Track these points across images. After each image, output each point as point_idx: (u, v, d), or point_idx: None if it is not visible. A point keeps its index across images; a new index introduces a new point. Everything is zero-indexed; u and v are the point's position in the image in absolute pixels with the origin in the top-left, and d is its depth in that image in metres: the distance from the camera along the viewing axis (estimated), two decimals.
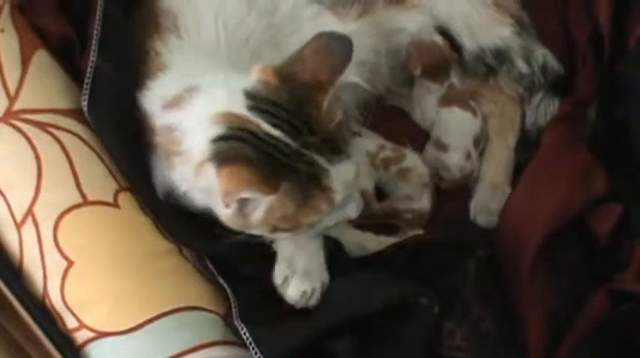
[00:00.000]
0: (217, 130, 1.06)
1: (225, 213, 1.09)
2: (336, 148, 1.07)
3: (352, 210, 1.14)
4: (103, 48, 1.21)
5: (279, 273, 1.17)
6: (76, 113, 1.19)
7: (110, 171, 1.17)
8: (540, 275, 1.31)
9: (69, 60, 1.26)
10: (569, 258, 1.36)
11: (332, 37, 1.10)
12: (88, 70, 1.19)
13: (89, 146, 1.17)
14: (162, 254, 1.15)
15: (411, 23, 1.46)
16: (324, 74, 1.07)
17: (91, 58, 1.20)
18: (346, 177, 1.08)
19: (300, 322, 1.15)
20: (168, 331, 1.10)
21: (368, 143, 1.43)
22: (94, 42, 1.22)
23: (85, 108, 1.18)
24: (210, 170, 1.05)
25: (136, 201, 1.17)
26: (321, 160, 1.06)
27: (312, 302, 1.15)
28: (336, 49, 1.09)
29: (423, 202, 1.41)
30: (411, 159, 1.43)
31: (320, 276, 1.17)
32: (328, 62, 1.08)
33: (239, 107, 1.07)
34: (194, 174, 1.09)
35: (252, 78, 1.09)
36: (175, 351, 1.09)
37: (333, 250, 1.21)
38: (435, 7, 1.47)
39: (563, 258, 1.35)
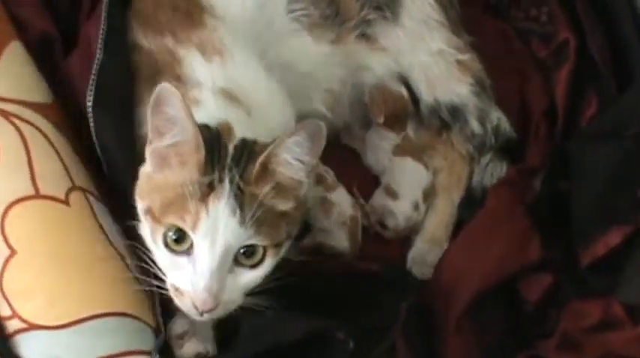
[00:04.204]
0: (213, 119, 1.17)
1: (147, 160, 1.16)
2: (241, 205, 1.09)
3: (198, 297, 1.10)
4: (108, 46, 1.29)
5: (180, 325, 1.23)
6: (41, 107, 1.26)
7: (66, 169, 1.23)
8: (466, 334, 1.38)
9: (45, 57, 1.33)
10: (496, 321, 1.43)
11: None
12: (94, 67, 1.27)
13: (49, 142, 1.24)
14: (105, 259, 1.20)
15: (377, 65, 1.56)
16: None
17: (97, 56, 1.28)
18: (223, 228, 1.09)
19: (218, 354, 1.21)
20: (97, 333, 1.15)
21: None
22: (99, 40, 1.29)
23: (90, 106, 1.25)
24: None
25: (87, 203, 1.23)
26: (227, 186, 1.09)
27: None
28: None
29: (340, 241, 1.46)
30: (339, 194, 1.49)
31: (211, 342, 1.23)
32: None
33: (238, 132, 1.17)
34: None
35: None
36: (102, 353, 1.14)
37: None
38: (400, 55, 1.56)
39: (490, 319, 1.42)
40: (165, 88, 1.08)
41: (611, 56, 1.63)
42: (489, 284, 1.42)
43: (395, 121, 1.58)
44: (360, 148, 1.63)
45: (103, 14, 1.32)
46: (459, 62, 1.59)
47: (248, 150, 1.14)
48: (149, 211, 1.13)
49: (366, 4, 1.52)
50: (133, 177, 1.19)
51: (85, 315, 1.15)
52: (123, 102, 1.29)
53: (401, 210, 1.54)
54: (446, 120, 1.59)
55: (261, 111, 1.23)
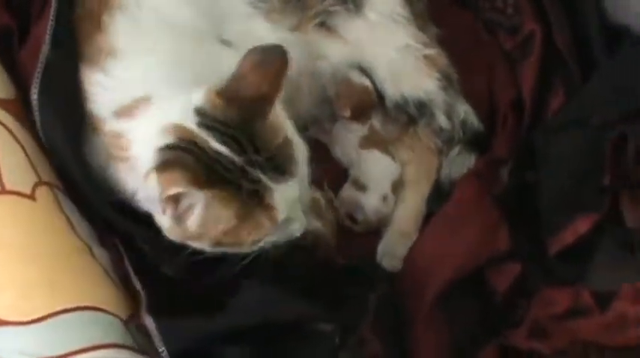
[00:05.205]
0: (165, 140, 1.16)
1: (164, 222, 1.19)
2: (280, 167, 1.17)
3: (296, 229, 1.24)
4: (55, 39, 1.30)
5: None
6: (4, 103, 1.28)
7: (31, 164, 1.25)
8: (436, 324, 1.42)
9: (5, 51, 1.35)
10: (466, 311, 1.47)
11: (265, 49, 1.20)
12: (40, 61, 1.29)
13: (14, 137, 1.25)
14: (73, 252, 1.23)
15: (333, 52, 1.57)
16: (266, 85, 1.17)
17: (43, 50, 1.30)
18: (290, 196, 1.18)
19: (208, 319, 1.24)
20: (68, 327, 1.17)
21: None
22: (47, 33, 1.31)
23: (35, 100, 1.27)
24: (153, 177, 1.14)
25: (54, 197, 1.25)
26: (265, 179, 1.16)
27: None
28: (272, 58, 1.18)
29: (311, 224, 1.44)
30: None
31: None
32: (268, 73, 1.17)
33: (189, 122, 1.17)
34: (141, 182, 1.18)
35: (199, 97, 1.19)
36: (74, 347, 1.15)
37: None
38: (362, 49, 1.58)
39: (460, 310, 1.46)
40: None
41: (576, 47, 1.67)
42: (458, 275, 1.45)
43: (360, 113, 1.60)
44: (329, 141, 1.66)
45: (52, 10, 1.34)
46: (425, 57, 1.61)
47: (230, 129, 1.16)
48: (221, 243, 1.19)
49: None
50: (81, 169, 1.25)
51: (55, 310, 1.17)
52: (70, 97, 1.29)
53: (370, 203, 1.57)
54: (413, 114, 1.62)
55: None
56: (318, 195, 1.53)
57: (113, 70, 1.28)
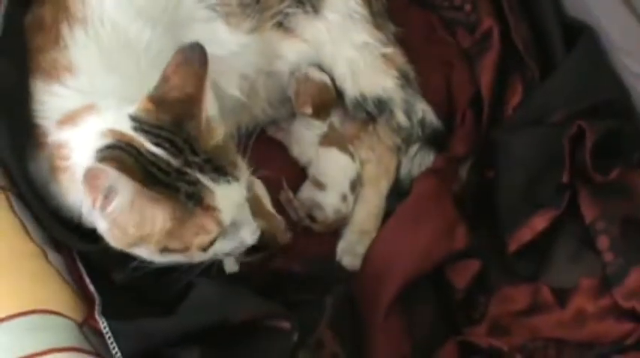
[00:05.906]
0: (104, 141, 1.14)
1: (102, 225, 1.16)
2: (220, 169, 1.16)
3: (247, 235, 1.23)
4: (3, 48, 1.27)
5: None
6: None
7: None
8: (395, 321, 1.45)
9: None
10: (425, 308, 1.49)
11: (185, 49, 1.19)
12: None
13: None
14: (27, 256, 1.22)
15: (292, 52, 1.57)
16: (188, 86, 1.16)
17: None
18: (233, 198, 1.18)
19: (163, 321, 1.23)
20: (23, 331, 1.16)
21: None
22: None
23: None
24: None
25: (6, 201, 1.25)
26: (204, 179, 1.15)
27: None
28: (192, 57, 1.17)
29: None
30: None
31: None
32: (188, 73, 1.17)
33: (125, 127, 1.16)
34: (83, 191, 1.15)
35: (135, 105, 1.18)
36: (29, 351, 1.15)
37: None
38: (321, 47, 1.59)
39: (419, 306, 1.49)
40: (92, 169, 1.10)
41: (535, 44, 1.69)
42: (417, 272, 1.48)
43: (321, 109, 1.60)
44: (287, 140, 1.66)
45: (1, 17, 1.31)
46: (383, 55, 1.62)
47: (164, 131, 1.16)
48: (166, 249, 1.17)
49: None
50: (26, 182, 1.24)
51: (9, 313, 1.16)
52: (17, 105, 1.26)
53: (329, 202, 1.58)
54: (371, 112, 1.63)
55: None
56: (255, 191, 1.52)
57: (69, 82, 1.26)
